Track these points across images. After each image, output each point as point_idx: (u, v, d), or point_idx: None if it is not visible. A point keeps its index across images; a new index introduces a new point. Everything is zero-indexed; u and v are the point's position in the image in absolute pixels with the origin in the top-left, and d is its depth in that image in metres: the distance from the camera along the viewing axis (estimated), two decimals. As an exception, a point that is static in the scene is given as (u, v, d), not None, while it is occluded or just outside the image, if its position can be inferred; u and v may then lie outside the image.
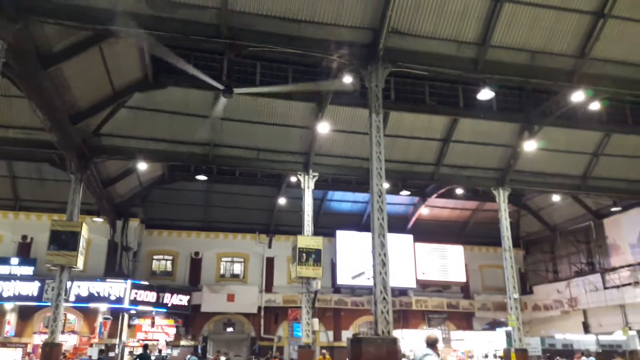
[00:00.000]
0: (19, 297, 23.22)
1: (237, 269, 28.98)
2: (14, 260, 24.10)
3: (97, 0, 11.90)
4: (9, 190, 24.86)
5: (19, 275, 23.63)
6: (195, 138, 19.60)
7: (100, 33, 13.00)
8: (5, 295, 23.13)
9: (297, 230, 20.40)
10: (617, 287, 24.33)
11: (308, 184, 20.58)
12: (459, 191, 26.22)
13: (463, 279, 30.88)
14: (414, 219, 30.28)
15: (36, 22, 12.11)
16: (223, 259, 28.90)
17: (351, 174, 21.99)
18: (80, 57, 14.19)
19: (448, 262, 30.85)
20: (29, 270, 23.92)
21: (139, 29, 11.96)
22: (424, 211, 29.84)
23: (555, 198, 27.20)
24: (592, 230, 27.45)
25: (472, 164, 22.15)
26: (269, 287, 28.47)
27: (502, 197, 22.07)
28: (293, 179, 21.54)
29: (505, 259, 21.46)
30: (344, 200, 29.47)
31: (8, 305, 23.71)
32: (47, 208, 25.05)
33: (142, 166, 21.43)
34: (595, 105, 18.56)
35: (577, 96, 16.13)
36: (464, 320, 30.23)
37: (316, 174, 20.74)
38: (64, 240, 17.47)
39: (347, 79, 16.14)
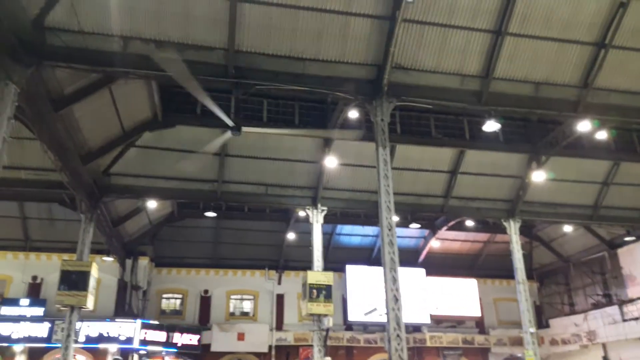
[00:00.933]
0: (29, 339, 23.01)
1: (247, 306, 28.60)
2: (24, 302, 24.00)
3: (106, 44, 12.24)
4: (19, 231, 25.01)
5: (28, 316, 23.49)
6: (204, 175, 19.73)
7: (109, 75, 13.30)
8: (14, 337, 22.92)
9: (307, 265, 20.19)
10: (636, 319, 23.58)
11: (317, 218, 20.50)
12: (470, 223, 25.97)
13: (478, 313, 30.16)
14: (425, 252, 29.90)
15: (48, 67, 12.42)
16: (232, 297, 28.57)
17: (360, 207, 21.91)
18: (91, 99, 14.51)
19: (462, 296, 30.22)
20: (39, 311, 23.78)
21: (148, 71, 12.23)
22: (434, 244, 29.48)
23: (567, 229, 26.76)
24: (606, 261, 26.87)
25: (481, 196, 22.02)
26: (279, 325, 27.98)
27: (513, 228, 21.81)
28: (302, 213, 21.47)
29: (519, 291, 20.99)
30: (353, 234, 29.25)
31: (18, 347, 23.46)
32: (57, 248, 25.10)
33: (151, 204, 21.53)
34: (602, 135, 18.51)
35: (583, 126, 16.10)
36: (480, 356, 29.36)
37: (325, 208, 20.68)
38: (74, 280, 17.43)
39: (353, 114, 16.35)
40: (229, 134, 13.21)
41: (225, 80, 12.99)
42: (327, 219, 21.63)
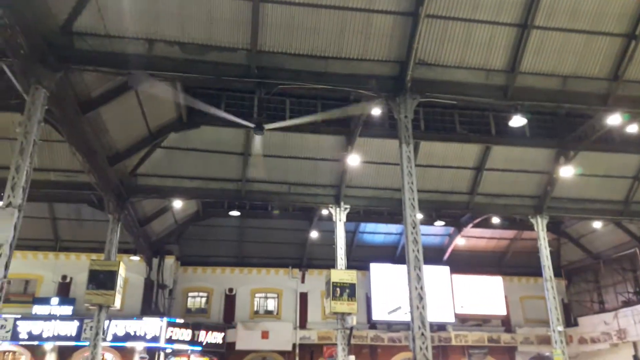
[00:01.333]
0: (59, 337, 23.58)
1: (271, 305, 28.78)
2: (54, 300, 24.61)
3: (131, 47, 12.45)
4: (50, 232, 25.66)
5: (58, 315, 24.08)
6: (228, 174, 19.94)
7: (135, 77, 13.50)
8: (45, 335, 23.52)
9: (330, 263, 20.22)
10: (670, 317, 22.94)
11: (340, 216, 20.51)
12: (496, 220, 25.68)
13: (503, 312, 29.75)
14: (450, 250, 29.66)
15: (75, 70, 12.73)
16: (257, 295, 28.79)
17: (383, 205, 21.85)
18: (117, 101, 14.81)
19: (487, 294, 29.82)
20: (68, 310, 24.35)
21: (172, 73, 12.41)
22: (460, 242, 29.23)
23: (597, 225, 26.20)
24: (637, 258, 26.19)
25: (508, 192, 21.74)
26: (303, 324, 28.08)
27: (540, 225, 21.50)
28: (325, 212, 21.51)
29: (546, 289, 20.67)
30: (376, 232, 29.18)
31: (48, 346, 24.08)
32: (86, 248, 25.69)
33: (177, 204, 21.86)
34: (633, 128, 18.02)
35: (613, 119, 15.72)
36: (507, 355, 28.94)
37: (348, 206, 20.69)
38: (102, 280, 17.79)
39: (376, 111, 16.29)
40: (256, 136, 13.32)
41: (248, 80, 13.06)
42: (350, 217, 21.61)
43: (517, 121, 14.83)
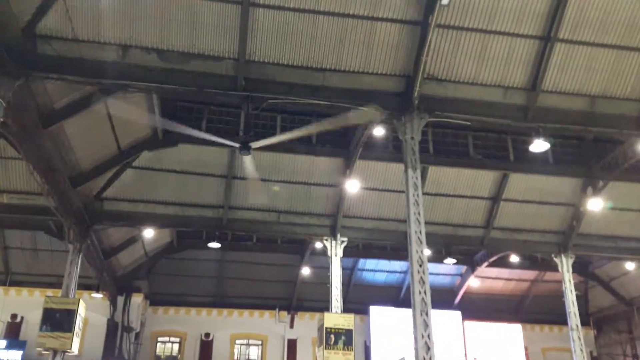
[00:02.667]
0: (4, 387, 23.09)
1: (254, 353, 28.37)
2: (1, 344, 24.16)
3: (103, 54, 12.57)
4: (-1, 263, 25.37)
5: (5, 360, 23.62)
6: (208, 200, 19.92)
7: (105, 88, 13.63)
8: (-12, 384, 23.04)
9: (324, 306, 20.07)
10: None
11: (336, 251, 20.44)
12: (514, 259, 25.68)
13: (523, 365, 29.47)
14: (462, 292, 29.55)
15: (37, 78, 12.79)
16: (237, 341, 28.39)
17: (386, 238, 21.84)
18: (84, 114, 14.85)
19: (504, 345, 29.56)
20: (17, 355, 23.89)
21: (149, 83, 12.51)
22: (473, 283, 29.12)
23: (630, 266, 26.17)
24: (678, 305, 26.15)
25: (528, 227, 21.79)
26: (291, 376, 27.68)
27: (565, 265, 21.46)
28: (318, 245, 21.41)
29: (572, 340, 20.52)
30: (378, 270, 29.09)
31: (-9, 396, 23.55)
32: (40, 282, 25.38)
33: (148, 233, 21.74)
34: (670, 156, 18.20)
35: (648, 145, 15.88)
36: (528, 417, 28.54)
37: (345, 239, 20.64)
38: (58, 320, 17.52)
39: (379, 131, 16.42)
40: (245, 156, 13.37)
41: (235, 93, 13.16)
42: (348, 252, 21.54)
43: (539, 146, 14.93)
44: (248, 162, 14.49)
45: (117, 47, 12.65)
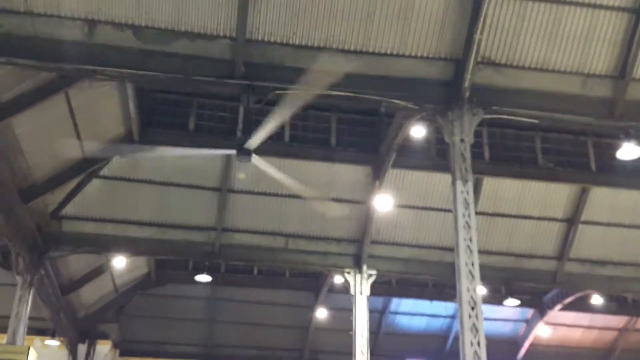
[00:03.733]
0: None
1: (255, 420, 28.32)
2: None
3: (63, 31, 12.71)
4: None
5: None
6: (196, 220, 20.01)
7: (67, 75, 13.80)
8: None
9: (346, 358, 19.91)
10: None
11: (361, 287, 20.38)
12: (597, 300, 25.32)
13: None
14: (527, 343, 29.35)
15: (-25, 62, 13.01)
16: (233, 405, 28.41)
17: (426, 272, 21.76)
18: (39, 109, 15.00)
19: (584, 413, 29.27)
20: (-51, 417, 24.09)
21: (122, 69, 12.66)
22: (542, 332, 28.88)
23: None
24: None
25: (615, 258, 21.59)
26: None
27: (665, 308, 21.19)
28: (338, 280, 21.40)
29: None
30: (416, 313, 28.96)
31: None
32: (-21, 325, 25.56)
33: (118, 263, 21.81)
34: None
35: None
36: None
37: (373, 272, 20.60)
38: (2, 374, 17.64)
39: (418, 131, 16.40)
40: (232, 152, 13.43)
41: (232, 81, 13.26)
42: (377, 290, 21.48)
43: (629, 152, 14.80)
44: (263, 165, 14.51)
45: (82, 23, 12.78)
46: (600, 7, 13.57)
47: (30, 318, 19.09)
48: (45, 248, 19.28)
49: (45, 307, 21.54)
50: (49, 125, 16.15)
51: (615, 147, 15.32)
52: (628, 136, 14.49)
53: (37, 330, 23.55)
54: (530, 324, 29.00)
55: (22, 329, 18.60)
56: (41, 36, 12.66)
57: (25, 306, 18.79)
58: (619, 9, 13.60)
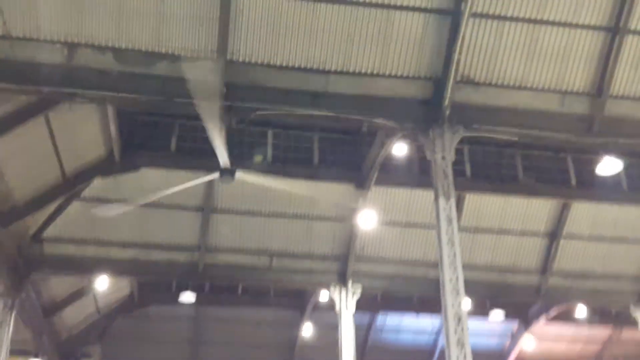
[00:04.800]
0: None
1: None
2: None
3: (43, 54, 12.74)
4: None
5: None
6: (179, 240, 19.97)
7: (46, 97, 13.77)
8: None
9: (332, 377, 19.95)
10: None
11: (346, 304, 20.37)
12: (581, 313, 25.45)
13: None
14: (512, 357, 29.36)
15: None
16: None
17: (411, 288, 21.84)
18: (18, 132, 14.93)
19: None
20: None
21: (102, 91, 12.68)
22: (527, 345, 28.92)
23: None
24: None
25: (598, 271, 21.77)
26: None
27: (648, 320, 21.35)
28: (324, 297, 21.38)
29: (661, 420, 20.29)
30: (402, 328, 28.91)
31: None
32: (-39, 348, 25.31)
33: (101, 284, 21.66)
34: None
35: None
36: None
37: (358, 288, 20.62)
38: (-16, 399, 17.46)
39: (400, 149, 16.50)
40: (213, 177, 13.45)
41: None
42: (363, 305, 21.51)
43: (608, 167, 15.00)
44: (249, 178, 14.55)
45: (62, 46, 12.85)
46: (577, 25, 13.82)
47: (12, 340, 18.92)
48: (27, 271, 19.13)
49: (27, 329, 21.38)
50: (29, 148, 16.08)
51: (595, 163, 15.52)
52: (607, 152, 14.68)
53: (20, 351, 23.23)
54: (515, 337, 29.02)
55: (4, 352, 18.41)
56: (20, 59, 12.70)
57: (7, 329, 18.63)
58: (595, 27, 13.86)
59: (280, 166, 18.16)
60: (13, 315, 18.99)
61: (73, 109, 14.67)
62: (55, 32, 12.80)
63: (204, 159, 16.10)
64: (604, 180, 18.85)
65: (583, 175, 19.61)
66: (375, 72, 13.90)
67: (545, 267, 21.53)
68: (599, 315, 26.69)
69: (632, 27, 13.82)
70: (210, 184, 18.94)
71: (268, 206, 19.86)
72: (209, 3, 12.86)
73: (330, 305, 21.11)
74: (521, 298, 23.21)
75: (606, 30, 13.88)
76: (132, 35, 13.06)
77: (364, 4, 13.12)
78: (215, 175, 13.54)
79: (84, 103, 13.90)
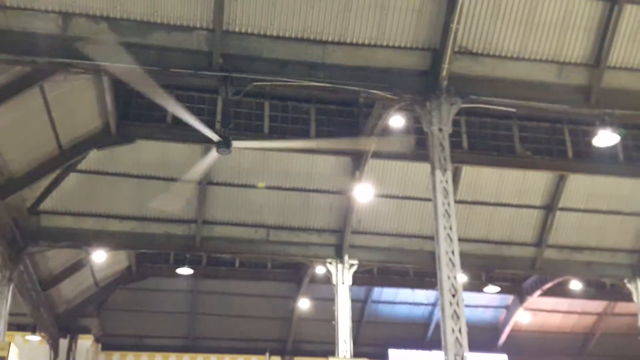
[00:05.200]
0: None
1: (238, 411, 28.39)
2: None
3: (37, 24, 12.60)
4: None
5: None
6: (175, 213, 19.95)
7: (41, 68, 13.65)
8: None
9: (328, 349, 20.09)
10: None
11: (343, 277, 20.43)
12: (575, 286, 25.60)
13: (589, 423, 29.52)
14: (507, 329, 29.62)
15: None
16: (216, 397, 28.44)
17: (407, 260, 21.85)
18: (14, 103, 14.83)
19: (564, 397, 29.65)
20: None
21: (97, 62, 12.56)
22: (522, 317, 29.17)
23: None
24: None
25: (593, 244, 21.84)
26: None
27: (642, 293, 21.47)
28: (320, 270, 21.45)
29: (653, 389, 20.49)
30: (398, 301, 29.11)
31: None
32: (-41, 322, 25.37)
33: (98, 257, 21.67)
34: None
35: None
36: None
37: (355, 261, 20.66)
38: (-17, 370, 17.54)
39: (397, 121, 16.44)
40: (214, 153, 13.40)
41: (209, 73, 13.24)
42: (359, 279, 21.60)
43: (605, 138, 14.95)
44: (207, 161, 14.50)
45: (56, 16, 12.70)
46: (575, -6, 13.72)
47: (10, 314, 19.04)
48: (24, 243, 19.13)
49: (25, 302, 21.43)
50: (25, 120, 15.99)
51: (592, 135, 15.45)
52: (604, 123, 14.63)
53: (18, 326, 23.42)
54: (510, 310, 29.23)
55: (2, 325, 18.52)
56: (15, 30, 12.56)
57: (4, 302, 18.69)
58: (593, -3, 13.75)
59: (277, 137, 18.12)
60: (11, 288, 19.03)
61: (68, 79, 14.55)
62: (49, 1, 12.64)
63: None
64: (600, 152, 18.79)
65: (580, 147, 19.56)
66: (372, 42, 13.78)
67: (540, 240, 21.59)
68: (594, 288, 26.76)
69: (630, -2, 13.75)
70: (206, 156, 18.92)
71: (263, 178, 19.83)
72: (205, -28, 12.78)
73: (327, 278, 21.20)
74: (516, 271, 23.30)
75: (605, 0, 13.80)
76: (127, 5, 12.92)
77: (362, -27, 13.05)
78: (213, 150, 13.44)
79: (79, 74, 13.77)
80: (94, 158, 18.46)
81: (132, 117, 17.78)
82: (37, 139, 16.95)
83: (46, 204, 19.19)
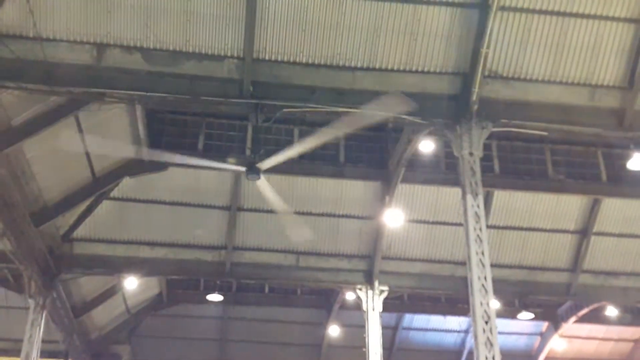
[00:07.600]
0: None
1: None
2: None
3: (73, 55, 12.93)
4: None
5: None
6: (206, 239, 20.08)
7: (77, 98, 13.93)
8: None
9: (360, 376, 19.89)
10: None
11: (373, 304, 20.32)
12: (612, 312, 25.14)
13: None
14: (542, 357, 29.12)
15: (-12, 88, 13.16)
16: None
17: (439, 287, 21.69)
18: (49, 133, 15.14)
19: None
20: None
21: (131, 91, 12.81)
22: (557, 345, 28.69)
23: None
24: None
25: (629, 269, 21.54)
26: None
27: (682, 319, 21.05)
28: (350, 296, 21.36)
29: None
30: (429, 328, 28.82)
31: None
32: (-7, 348, 25.63)
33: (130, 284, 21.84)
34: None
35: None
36: None
37: (385, 287, 20.54)
38: (16, 398, 17.65)
39: (427, 146, 16.43)
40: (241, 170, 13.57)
41: (240, 101, 13.41)
42: (390, 306, 21.51)
43: (639, 162, 14.79)
44: (264, 188, 14.62)
45: (91, 47, 13.04)
46: (607, 18, 13.66)
47: (43, 341, 19.16)
48: (57, 270, 19.38)
49: (57, 329, 21.64)
50: (60, 149, 16.25)
51: (626, 158, 15.32)
52: (638, 146, 14.48)
53: (50, 353, 23.51)
54: (544, 337, 28.77)
55: (35, 352, 18.64)
56: (50, 61, 12.86)
57: (37, 329, 18.85)
58: (625, 19, 13.70)
59: (307, 163, 18.20)
60: (44, 314, 19.22)
61: (102, 109, 14.82)
62: (84, 33, 13.02)
63: (231, 157, 16.17)
64: (635, 176, 18.58)
65: (614, 171, 19.34)
66: (402, 68, 13.89)
67: (575, 265, 21.28)
68: (630, 314, 26.32)
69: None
70: (237, 182, 19.06)
71: (294, 204, 19.84)
72: (235, 2, 12.95)
73: (357, 304, 21.05)
74: (551, 297, 22.93)
75: (636, 22, 13.69)
76: (160, 36, 13.21)
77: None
78: (242, 169, 13.59)
79: (112, 103, 14.01)
80: (126, 185, 18.73)
81: (165, 145, 17.96)
82: (71, 167, 17.24)
83: (79, 232, 19.45)
